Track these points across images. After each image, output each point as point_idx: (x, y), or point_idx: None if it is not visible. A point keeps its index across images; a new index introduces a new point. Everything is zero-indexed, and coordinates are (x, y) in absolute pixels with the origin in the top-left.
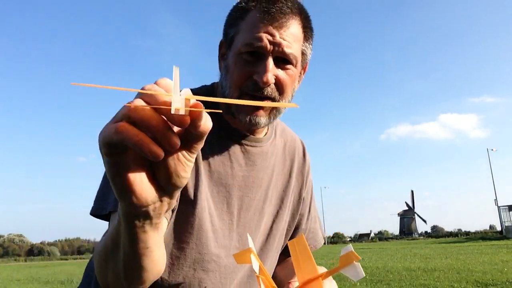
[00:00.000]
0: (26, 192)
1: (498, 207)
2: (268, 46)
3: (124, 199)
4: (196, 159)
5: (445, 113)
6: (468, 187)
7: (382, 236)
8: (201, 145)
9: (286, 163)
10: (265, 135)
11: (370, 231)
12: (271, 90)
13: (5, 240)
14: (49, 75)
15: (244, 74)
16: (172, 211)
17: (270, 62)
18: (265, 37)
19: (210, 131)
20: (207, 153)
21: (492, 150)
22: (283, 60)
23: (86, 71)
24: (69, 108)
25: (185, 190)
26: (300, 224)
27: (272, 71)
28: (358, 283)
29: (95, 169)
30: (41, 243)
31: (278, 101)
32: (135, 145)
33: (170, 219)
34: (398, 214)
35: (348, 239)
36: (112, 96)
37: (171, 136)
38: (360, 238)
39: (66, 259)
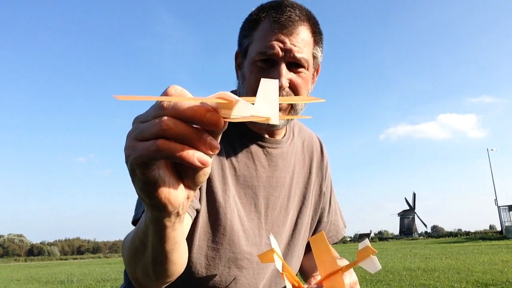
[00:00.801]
0: (26, 192)
1: (498, 207)
2: (280, 52)
3: (159, 210)
4: (222, 164)
5: (444, 113)
6: (468, 187)
7: (382, 236)
8: (219, 138)
9: (305, 160)
10: (283, 136)
11: (370, 231)
12: (286, 93)
13: (5, 240)
14: (49, 75)
15: (260, 80)
16: (198, 212)
17: (283, 67)
18: (277, 44)
19: (233, 136)
20: (231, 158)
21: (492, 150)
22: (295, 65)
23: (86, 71)
24: (69, 108)
25: (214, 194)
26: (322, 217)
27: (285, 76)
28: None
29: (94, 169)
30: (41, 243)
31: (295, 104)
32: (183, 160)
33: (200, 221)
34: (398, 214)
35: (348, 239)
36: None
37: (212, 142)
38: (360, 238)
39: (66, 259)
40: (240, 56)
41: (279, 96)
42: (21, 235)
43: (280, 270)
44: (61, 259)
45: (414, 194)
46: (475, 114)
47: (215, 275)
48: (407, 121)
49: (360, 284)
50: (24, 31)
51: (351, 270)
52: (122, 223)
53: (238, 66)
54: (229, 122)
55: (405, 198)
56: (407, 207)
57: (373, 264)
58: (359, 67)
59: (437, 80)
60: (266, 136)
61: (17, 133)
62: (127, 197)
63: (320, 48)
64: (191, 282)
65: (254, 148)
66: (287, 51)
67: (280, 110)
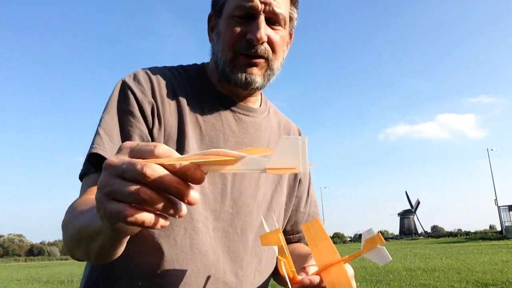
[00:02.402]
0: (26, 192)
1: (498, 207)
2: (259, 5)
3: (118, 233)
4: (185, 120)
5: (443, 113)
6: (468, 187)
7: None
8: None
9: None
10: (259, 107)
11: None
12: (264, 48)
13: (5, 240)
14: (49, 75)
15: (237, 34)
16: None
17: (262, 20)
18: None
19: (203, 94)
20: (197, 116)
21: (492, 150)
22: (273, 21)
23: (86, 71)
24: (68, 108)
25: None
26: (298, 206)
27: (264, 30)
28: (358, 283)
29: None
30: (41, 243)
31: (272, 60)
32: (146, 227)
33: None
34: (398, 214)
35: (348, 239)
36: None
37: (193, 195)
38: (360, 238)
39: (66, 259)
40: (214, 17)
41: (257, 50)
42: (21, 235)
43: (277, 253)
44: (61, 259)
45: (418, 202)
46: (474, 114)
47: (170, 234)
48: (406, 121)
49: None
50: (24, 31)
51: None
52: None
53: (211, 29)
54: (196, 77)
55: (406, 192)
56: (407, 207)
57: (382, 255)
58: (358, 67)
59: (436, 80)
60: (238, 101)
61: (17, 133)
62: None
63: (297, 10)
64: (147, 245)
65: (223, 110)
66: (266, 4)
67: (256, 66)
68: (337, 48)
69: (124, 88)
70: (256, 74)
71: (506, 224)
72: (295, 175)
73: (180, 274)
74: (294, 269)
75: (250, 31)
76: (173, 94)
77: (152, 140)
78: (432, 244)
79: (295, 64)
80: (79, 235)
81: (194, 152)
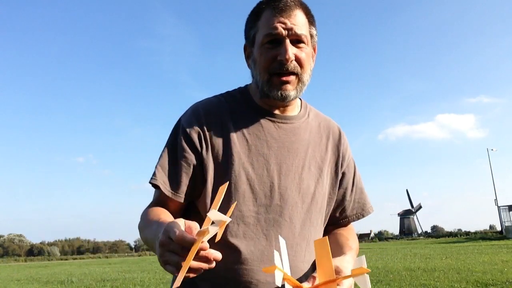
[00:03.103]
0: (26, 192)
1: (498, 207)
2: (283, 31)
3: None
4: (229, 137)
5: (443, 113)
6: (467, 187)
7: (382, 236)
8: None
9: (322, 139)
10: (299, 113)
11: (370, 231)
12: (293, 66)
13: (5, 240)
14: (49, 75)
15: (269, 58)
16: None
17: (288, 43)
18: (279, 25)
19: (245, 111)
20: (243, 130)
21: (492, 150)
22: (297, 41)
23: (86, 71)
24: (68, 108)
25: (219, 165)
26: (345, 195)
27: (290, 50)
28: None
29: (93, 169)
30: (41, 243)
31: (301, 74)
32: (198, 268)
33: (207, 189)
34: (398, 214)
35: None
36: (112, 97)
37: (215, 256)
38: (360, 238)
39: (66, 259)
40: (248, 46)
41: (288, 68)
42: (21, 235)
43: (279, 284)
44: (61, 259)
45: (420, 206)
46: (474, 114)
47: (226, 230)
48: (405, 121)
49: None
50: (24, 31)
51: (352, 257)
52: (122, 223)
53: (248, 57)
54: (239, 98)
55: (407, 190)
56: (406, 207)
57: (365, 282)
58: (357, 67)
59: (435, 80)
60: (277, 112)
61: (17, 133)
62: (127, 197)
63: (315, 28)
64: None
65: (264, 122)
66: (289, 30)
67: (289, 82)
68: (336, 48)
69: (177, 124)
70: (290, 90)
71: (506, 224)
72: (336, 167)
73: (243, 263)
74: (299, 284)
75: (279, 53)
76: (218, 118)
77: (202, 161)
78: (432, 244)
79: None
80: (148, 244)
81: (244, 159)
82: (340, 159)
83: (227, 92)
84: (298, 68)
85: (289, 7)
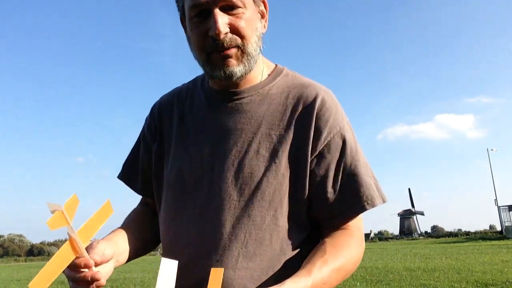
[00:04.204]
0: (26, 192)
1: (498, 207)
2: (206, 1)
3: None
4: (174, 127)
5: (442, 113)
6: (467, 187)
7: (382, 236)
8: None
9: (286, 112)
10: (256, 84)
11: (370, 231)
12: (229, 39)
13: (5, 240)
14: (49, 75)
15: (201, 34)
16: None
17: (217, 13)
18: None
19: (195, 97)
20: (186, 119)
21: (492, 150)
22: (229, 7)
23: (86, 71)
24: (67, 108)
25: (159, 159)
26: (324, 186)
27: (222, 21)
28: (358, 283)
29: (93, 169)
30: (41, 243)
31: (244, 45)
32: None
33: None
34: (398, 214)
35: None
36: (112, 97)
37: (96, 278)
38: None
39: None
40: (184, 20)
41: (224, 43)
42: (21, 235)
43: (70, 234)
44: None
45: (422, 213)
46: (473, 114)
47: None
48: (404, 121)
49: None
50: (24, 31)
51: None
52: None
53: (186, 31)
54: (198, 83)
55: (409, 189)
56: (407, 207)
57: None
58: (356, 67)
59: (434, 80)
60: (233, 89)
61: (17, 133)
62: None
63: None
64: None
65: (210, 105)
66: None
67: (230, 57)
68: (335, 48)
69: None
70: (233, 65)
71: (506, 224)
72: (304, 151)
73: (175, 254)
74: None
75: (209, 28)
76: (170, 109)
77: (159, 151)
78: (432, 244)
79: (294, 64)
80: None
81: (173, 161)
82: (311, 136)
83: (194, 78)
84: (238, 39)
85: None
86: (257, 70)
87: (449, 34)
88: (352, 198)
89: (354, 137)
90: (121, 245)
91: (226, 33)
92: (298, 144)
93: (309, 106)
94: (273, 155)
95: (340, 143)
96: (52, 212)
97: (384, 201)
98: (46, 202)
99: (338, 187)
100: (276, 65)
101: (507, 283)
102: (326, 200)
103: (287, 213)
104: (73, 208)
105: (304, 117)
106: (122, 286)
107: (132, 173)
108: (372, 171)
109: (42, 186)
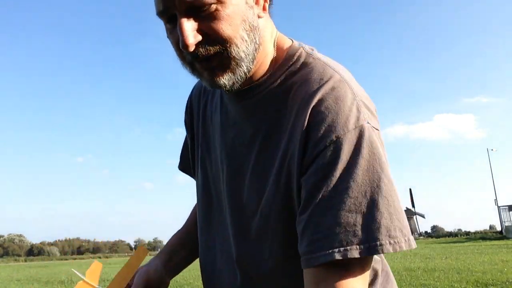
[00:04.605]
0: (26, 192)
1: (498, 207)
2: (169, 6)
3: None
4: (198, 123)
5: (441, 113)
6: (468, 187)
7: None
8: None
9: (285, 121)
10: (260, 81)
11: None
12: (205, 49)
13: (5, 240)
14: (48, 75)
15: (176, 44)
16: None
17: (182, 22)
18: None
19: (214, 96)
20: (210, 116)
21: (492, 150)
22: (198, 9)
23: (86, 71)
24: (67, 109)
25: (193, 151)
26: (300, 215)
27: (189, 30)
28: None
29: (93, 169)
30: (41, 243)
31: (226, 49)
32: None
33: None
34: None
35: None
36: (112, 97)
37: None
38: None
39: (66, 259)
40: None
41: (199, 54)
42: (21, 235)
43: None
44: (61, 259)
45: (410, 190)
46: (473, 114)
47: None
48: (404, 121)
49: None
50: (24, 31)
51: None
52: (122, 223)
53: None
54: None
55: (410, 190)
56: (406, 207)
57: None
58: (355, 67)
59: (434, 80)
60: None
61: (17, 133)
62: (127, 197)
63: None
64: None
65: (227, 103)
66: (172, 2)
67: (214, 67)
68: (335, 48)
69: None
70: (219, 76)
71: (506, 224)
72: (292, 171)
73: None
74: None
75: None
76: (199, 104)
77: (192, 146)
78: (432, 244)
79: None
80: None
81: (199, 166)
82: (299, 151)
83: None
84: (216, 45)
85: None
86: (265, 60)
87: (448, 34)
88: (322, 239)
89: (363, 151)
90: (179, 260)
91: (199, 42)
92: (290, 162)
93: (304, 111)
94: (271, 172)
95: (331, 158)
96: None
97: (376, 251)
98: (71, 269)
99: (312, 220)
100: (291, 45)
101: (507, 283)
102: (300, 234)
103: (288, 244)
104: (96, 274)
105: (298, 125)
106: None
107: (187, 162)
108: (393, 205)
109: (42, 186)
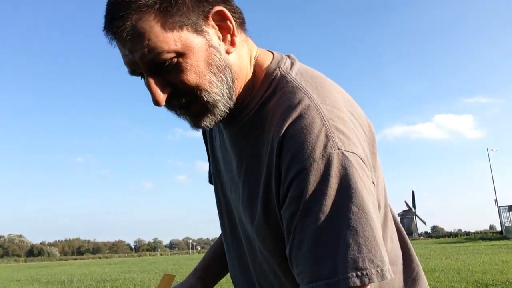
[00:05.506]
0: (26, 192)
1: (498, 207)
2: (134, 68)
3: None
4: (213, 146)
5: (441, 113)
6: (467, 187)
7: None
8: None
9: (262, 151)
10: (241, 107)
11: None
12: (178, 99)
13: (5, 240)
14: (48, 75)
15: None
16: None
17: (149, 81)
18: (126, 59)
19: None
20: (218, 141)
21: (492, 150)
22: (161, 65)
23: (85, 71)
24: (67, 109)
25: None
26: (286, 243)
27: (156, 88)
28: None
29: (93, 169)
30: (41, 243)
31: (197, 97)
32: None
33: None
34: (398, 214)
35: None
36: (111, 97)
37: None
38: None
39: (66, 260)
40: None
41: (173, 106)
42: (21, 235)
43: None
44: (61, 260)
45: (413, 193)
46: (472, 115)
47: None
48: (403, 121)
49: None
50: (23, 31)
51: None
52: (122, 223)
53: None
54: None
55: (405, 202)
56: (406, 208)
57: None
58: (355, 68)
59: (433, 80)
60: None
61: (17, 134)
62: (127, 197)
63: (182, 9)
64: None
65: (224, 129)
66: (135, 64)
67: (192, 114)
68: (334, 48)
69: None
70: (201, 119)
71: (506, 224)
72: (272, 204)
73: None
74: None
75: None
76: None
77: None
78: (432, 244)
79: None
80: None
81: (215, 189)
82: (274, 183)
83: None
84: (187, 94)
85: (118, 28)
86: (246, 84)
87: (447, 34)
88: (301, 274)
89: (331, 180)
90: (214, 275)
91: (171, 94)
92: (270, 193)
93: (274, 142)
94: (254, 206)
95: (300, 189)
96: None
97: (340, 286)
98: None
99: (293, 253)
100: (269, 64)
101: (507, 283)
102: (290, 264)
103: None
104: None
105: (272, 156)
106: (122, 286)
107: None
108: (362, 235)
109: (42, 186)
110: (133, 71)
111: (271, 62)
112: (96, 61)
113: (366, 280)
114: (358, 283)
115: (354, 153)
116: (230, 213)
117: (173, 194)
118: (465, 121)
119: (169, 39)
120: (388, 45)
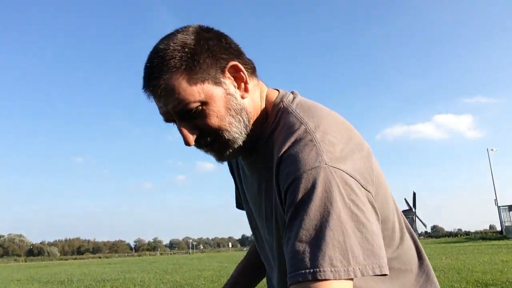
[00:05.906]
0: (26, 192)
1: (498, 207)
2: (168, 118)
3: None
4: (238, 173)
5: (440, 113)
6: (467, 187)
7: None
8: None
9: (272, 166)
10: (259, 139)
11: None
12: (204, 139)
13: (5, 240)
14: (48, 76)
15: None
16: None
17: (180, 127)
18: (161, 110)
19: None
20: (242, 167)
21: (492, 150)
22: (189, 112)
23: (85, 72)
24: (67, 109)
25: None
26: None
27: (186, 131)
28: None
29: (92, 169)
30: (41, 243)
31: (220, 137)
32: None
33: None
34: None
35: None
36: (111, 97)
37: None
38: None
39: (66, 259)
40: None
41: (200, 146)
42: (21, 235)
43: None
44: (61, 259)
45: (414, 194)
46: (472, 115)
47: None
48: (403, 121)
49: None
50: (23, 31)
51: None
52: (122, 223)
53: None
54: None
55: (405, 199)
56: (407, 208)
57: None
58: (354, 68)
59: (433, 80)
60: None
61: (17, 134)
62: (126, 197)
63: (203, 66)
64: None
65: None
66: (169, 114)
67: (216, 151)
68: (334, 49)
69: None
70: (224, 154)
71: (506, 224)
72: (275, 203)
73: None
74: None
75: None
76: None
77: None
78: (432, 244)
79: (293, 64)
80: None
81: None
82: (279, 196)
83: None
84: (212, 135)
85: (154, 87)
86: (259, 119)
87: (447, 34)
88: (290, 266)
89: (318, 189)
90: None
91: (198, 136)
92: (277, 210)
93: (276, 164)
94: (270, 214)
95: (293, 196)
96: None
97: (318, 276)
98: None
99: (284, 244)
100: (274, 100)
101: (507, 283)
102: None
103: None
104: None
105: (274, 177)
106: (122, 286)
107: (240, 201)
108: (337, 239)
109: (42, 186)
110: (167, 119)
111: (277, 97)
112: (96, 62)
113: (337, 275)
114: (331, 277)
115: (340, 169)
116: (260, 234)
117: (173, 194)
118: (465, 121)
119: (194, 92)
120: (387, 45)
